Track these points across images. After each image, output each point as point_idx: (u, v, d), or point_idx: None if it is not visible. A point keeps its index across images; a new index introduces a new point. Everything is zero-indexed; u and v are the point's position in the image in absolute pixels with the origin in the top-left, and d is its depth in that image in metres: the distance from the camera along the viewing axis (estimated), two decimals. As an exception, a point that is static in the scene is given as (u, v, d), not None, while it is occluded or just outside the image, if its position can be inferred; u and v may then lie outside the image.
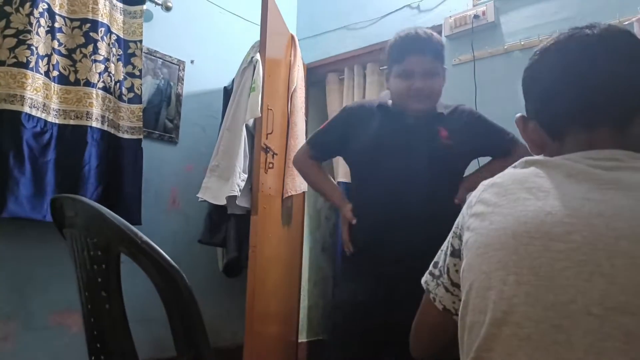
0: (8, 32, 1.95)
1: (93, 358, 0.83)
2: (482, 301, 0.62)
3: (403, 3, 2.81)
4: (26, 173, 1.95)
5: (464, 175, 1.63)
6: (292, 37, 2.89)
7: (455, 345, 0.69)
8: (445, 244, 0.79)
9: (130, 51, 2.38)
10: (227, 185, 2.41)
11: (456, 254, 0.75)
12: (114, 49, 2.30)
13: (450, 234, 0.78)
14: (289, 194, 2.69)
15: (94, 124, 2.18)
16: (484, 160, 1.74)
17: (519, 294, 0.58)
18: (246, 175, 2.48)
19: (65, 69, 2.15)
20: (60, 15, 2.14)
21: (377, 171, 1.54)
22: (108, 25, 2.28)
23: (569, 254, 0.57)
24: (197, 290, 0.68)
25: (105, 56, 2.25)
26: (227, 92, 2.74)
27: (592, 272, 0.55)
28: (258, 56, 2.43)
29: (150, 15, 2.61)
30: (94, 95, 2.18)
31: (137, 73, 2.38)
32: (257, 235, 2.23)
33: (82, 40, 2.19)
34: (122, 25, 2.37)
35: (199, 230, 2.60)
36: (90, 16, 2.20)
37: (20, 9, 1.97)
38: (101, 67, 2.23)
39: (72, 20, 2.18)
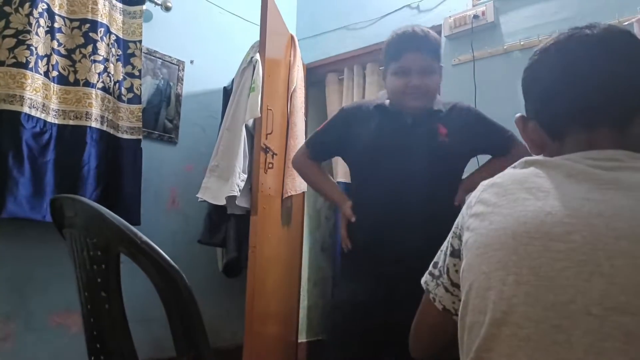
0: (7, 32, 1.95)
1: (93, 358, 0.83)
2: (481, 301, 0.62)
3: (403, 3, 2.81)
4: (25, 173, 1.95)
5: (463, 177, 1.63)
6: (292, 37, 2.89)
7: (455, 345, 0.69)
8: (445, 244, 0.79)
9: (129, 51, 2.38)
10: (226, 185, 2.41)
11: (456, 254, 0.75)
12: (113, 49, 2.30)
13: (450, 234, 0.78)
14: (289, 194, 2.69)
15: (93, 124, 2.18)
16: (483, 159, 1.74)
17: (518, 294, 0.58)
18: (246, 176, 2.48)
19: (64, 69, 2.15)
20: (59, 16, 2.14)
21: (377, 171, 1.54)
22: (107, 26, 2.28)
23: (568, 254, 0.57)
24: (197, 290, 0.68)
25: (104, 56, 2.25)
26: (227, 92, 2.74)
27: (591, 272, 0.55)
28: (258, 56, 2.43)
29: (149, 16, 2.61)
30: (94, 96, 2.18)
31: (137, 73, 2.38)
32: (256, 236, 2.23)
33: (82, 40, 2.18)
34: (121, 25, 2.37)
35: (199, 230, 2.60)
36: (89, 16, 2.20)
37: (20, 9, 1.97)
38: (100, 67, 2.23)
39: (71, 20, 2.18)
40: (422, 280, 0.83)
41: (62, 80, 2.14)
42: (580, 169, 0.64)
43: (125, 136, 2.32)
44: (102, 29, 2.24)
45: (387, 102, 1.61)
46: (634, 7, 1.99)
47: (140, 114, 2.38)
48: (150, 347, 2.27)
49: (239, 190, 2.42)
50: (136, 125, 2.36)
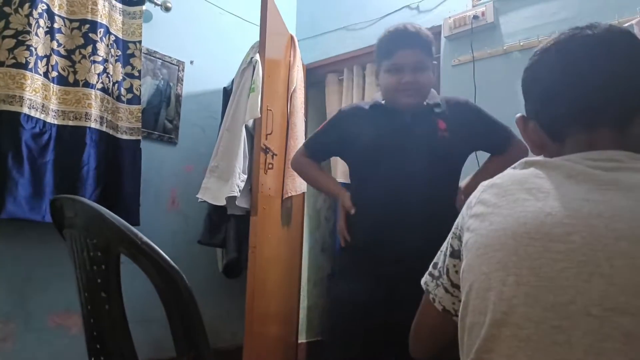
0: (7, 32, 1.95)
1: (93, 359, 0.83)
2: (482, 302, 0.62)
3: (402, 4, 2.82)
4: (25, 174, 1.95)
5: (462, 181, 1.63)
6: (292, 37, 2.89)
7: (455, 346, 0.69)
8: (445, 244, 0.79)
9: (129, 52, 2.38)
10: (226, 185, 2.41)
11: (456, 254, 0.75)
12: (112, 50, 2.30)
13: (450, 235, 0.78)
14: (289, 195, 2.69)
15: (93, 125, 2.18)
16: (481, 155, 1.74)
17: (518, 295, 0.58)
18: (246, 176, 2.48)
19: (64, 70, 2.15)
20: (59, 16, 2.14)
21: (377, 171, 1.54)
22: (107, 26, 2.28)
23: (568, 255, 0.57)
24: (197, 291, 0.68)
25: (104, 57, 2.25)
26: (227, 92, 2.74)
27: (591, 273, 0.55)
28: (257, 57, 2.43)
29: (149, 16, 2.61)
30: (93, 96, 2.18)
31: (136, 74, 2.38)
32: (256, 236, 2.23)
33: (82, 41, 2.18)
34: (121, 25, 2.37)
35: (199, 230, 2.60)
36: (89, 17, 2.20)
37: (20, 9, 1.97)
38: (100, 68, 2.22)
39: (71, 21, 2.18)
40: (422, 281, 0.83)
41: (61, 80, 2.14)
42: (580, 170, 0.64)
43: (124, 137, 2.32)
44: (102, 30, 2.24)
45: (383, 101, 1.62)
46: (633, 8, 1.99)
47: (139, 114, 2.38)
48: (151, 348, 2.27)
49: (239, 190, 2.42)
50: (135, 125, 2.36)
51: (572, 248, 0.57)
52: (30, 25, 1.98)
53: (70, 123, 2.13)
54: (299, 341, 3.04)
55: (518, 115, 0.80)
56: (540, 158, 0.73)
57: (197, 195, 2.47)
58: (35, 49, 2.00)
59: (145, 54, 2.54)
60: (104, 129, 2.24)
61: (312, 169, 1.76)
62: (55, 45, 2.11)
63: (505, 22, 2.40)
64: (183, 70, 2.77)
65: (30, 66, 1.97)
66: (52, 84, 2.09)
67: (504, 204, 0.65)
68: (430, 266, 0.82)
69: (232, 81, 2.69)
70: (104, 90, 2.25)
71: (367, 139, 1.56)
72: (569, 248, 0.57)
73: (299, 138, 2.76)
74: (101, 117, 2.23)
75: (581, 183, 0.63)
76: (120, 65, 2.33)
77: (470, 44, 2.44)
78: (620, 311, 0.53)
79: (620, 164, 0.64)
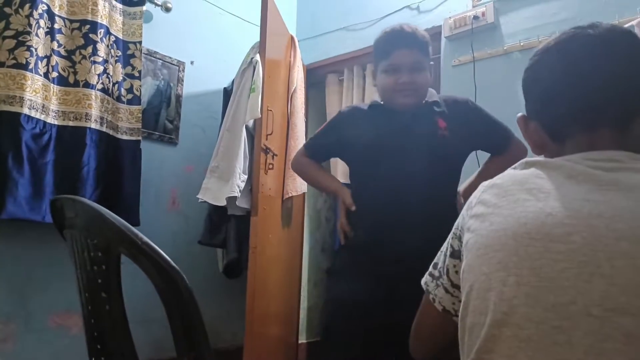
0: (7, 33, 1.95)
1: (93, 359, 0.83)
2: (482, 302, 0.62)
3: (403, 4, 2.82)
4: (25, 174, 1.95)
5: (462, 176, 1.63)
6: (292, 38, 2.89)
7: (456, 346, 0.69)
8: (445, 245, 0.79)
9: (129, 52, 2.38)
10: (227, 186, 2.41)
11: (456, 255, 0.75)
12: (112, 50, 2.30)
13: (450, 235, 0.78)
14: (290, 195, 2.69)
15: (93, 126, 2.18)
16: (482, 157, 1.74)
17: (519, 295, 0.58)
18: (246, 176, 2.48)
19: (64, 71, 2.15)
20: (59, 17, 2.14)
21: (377, 171, 1.54)
22: (107, 27, 2.28)
23: (569, 255, 0.57)
24: (197, 291, 0.69)
25: (104, 57, 2.25)
26: (227, 93, 2.74)
27: (592, 273, 0.55)
28: (258, 57, 2.43)
29: (150, 16, 2.61)
30: (93, 97, 2.18)
31: (137, 74, 2.38)
32: (257, 236, 2.23)
33: (82, 41, 2.19)
34: (121, 26, 2.37)
35: (199, 231, 2.60)
36: (89, 17, 2.20)
37: (20, 10, 1.97)
38: (100, 68, 2.23)
39: (71, 21, 2.18)
40: (422, 281, 0.83)
41: (61, 81, 2.14)
42: (580, 170, 0.64)
43: (124, 137, 2.32)
44: (102, 30, 2.24)
45: (382, 102, 1.62)
46: (633, 8, 1.99)
47: (139, 115, 2.38)
48: (151, 348, 2.27)
49: (240, 191, 2.42)
50: (135, 126, 2.36)
51: (572, 248, 0.57)
52: (30, 25, 1.98)
53: (71, 123, 2.13)
54: (300, 341, 3.04)
55: (519, 114, 0.80)
56: (540, 158, 0.73)
57: (198, 196, 2.47)
58: (36, 49, 2.00)
59: (145, 54, 2.54)
60: (104, 129, 2.24)
61: (312, 168, 1.76)
62: (55, 45, 2.11)
63: (506, 23, 2.40)
64: (183, 71, 2.77)
65: (30, 67, 1.97)
66: (52, 84, 2.09)
67: (504, 205, 0.65)
68: (431, 266, 0.82)
69: (233, 81, 2.69)
70: (104, 90, 2.25)
71: (367, 139, 1.56)
72: (569, 248, 0.57)
73: (299, 138, 2.76)
74: (101, 118, 2.23)
75: (582, 183, 0.63)
76: (121, 65, 2.33)
77: (470, 44, 2.44)
78: (621, 311, 0.53)
79: (621, 164, 0.64)
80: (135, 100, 2.37)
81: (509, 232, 0.62)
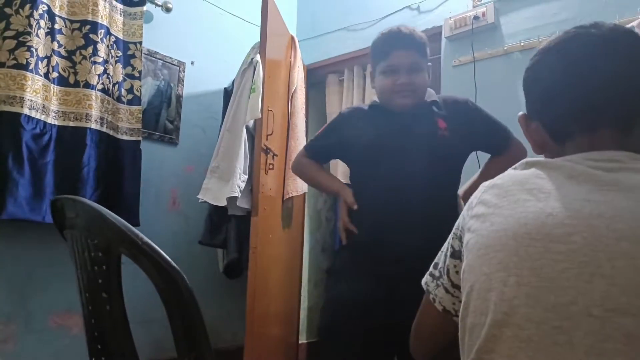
0: (8, 33, 1.95)
1: (94, 359, 0.83)
2: (482, 303, 0.62)
3: (403, 4, 2.82)
4: (25, 174, 1.95)
5: (462, 176, 1.63)
6: (292, 38, 2.89)
7: (456, 346, 0.69)
8: (446, 245, 0.79)
9: (130, 52, 2.38)
10: (227, 186, 2.41)
11: (456, 255, 0.75)
12: (112, 51, 2.30)
13: (451, 235, 0.77)
14: (290, 195, 2.69)
15: (93, 126, 2.18)
16: (482, 157, 1.74)
17: (519, 295, 0.58)
18: (246, 177, 2.48)
19: (64, 71, 2.15)
20: (60, 17, 2.14)
21: (377, 171, 1.54)
22: (108, 27, 2.28)
23: (569, 255, 0.57)
24: (198, 291, 0.69)
25: (104, 58, 2.25)
26: (227, 93, 2.74)
27: (592, 274, 0.55)
28: (258, 57, 2.43)
29: (150, 17, 2.62)
30: (93, 97, 2.18)
31: (137, 74, 2.38)
32: (257, 237, 2.23)
33: (82, 42, 2.19)
34: (121, 26, 2.37)
35: (200, 231, 2.60)
36: (90, 18, 2.20)
37: (20, 10, 1.97)
38: (100, 69, 2.23)
39: (72, 21, 2.19)
40: (423, 281, 0.82)
41: (62, 81, 2.14)
42: (581, 170, 0.64)
43: (124, 137, 2.32)
44: (103, 30, 2.24)
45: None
46: (634, 9, 1.99)
47: (140, 115, 2.38)
48: (151, 348, 2.27)
49: (240, 191, 2.43)
50: (136, 126, 2.36)
51: (573, 249, 0.57)
52: (31, 26, 1.98)
53: (71, 124, 2.14)
54: (300, 341, 3.04)
55: (520, 113, 0.80)
56: (541, 159, 0.73)
57: (198, 196, 2.47)
58: (36, 49, 2.00)
59: (146, 54, 2.54)
60: (104, 129, 2.24)
61: (312, 169, 1.75)
62: (55, 46, 2.11)
63: (506, 23, 2.40)
64: (184, 71, 2.77)
65: (30, 67, 1.97)
66: (52, 84, 2.09)
67: (504, 205, 0.65)
68: (431, 266, 0.82)
69: (233, 82, 2.69)
70: (105, 91, 2.25)
71: (367, 139, 1.56)
72: (570, 249, 0.57)
73: (299, 138, 2.76)
74: (101, 118, 2.23)
75: (582, 184, 0.63)
76: (121, 66, 2.33)
77: (470, 45, 2.44)
78: (622, 312, 0.53)
79: (621, 164, 0.64)
80: (135, 100, 2.37)
81: (510, 232, 0.62)
